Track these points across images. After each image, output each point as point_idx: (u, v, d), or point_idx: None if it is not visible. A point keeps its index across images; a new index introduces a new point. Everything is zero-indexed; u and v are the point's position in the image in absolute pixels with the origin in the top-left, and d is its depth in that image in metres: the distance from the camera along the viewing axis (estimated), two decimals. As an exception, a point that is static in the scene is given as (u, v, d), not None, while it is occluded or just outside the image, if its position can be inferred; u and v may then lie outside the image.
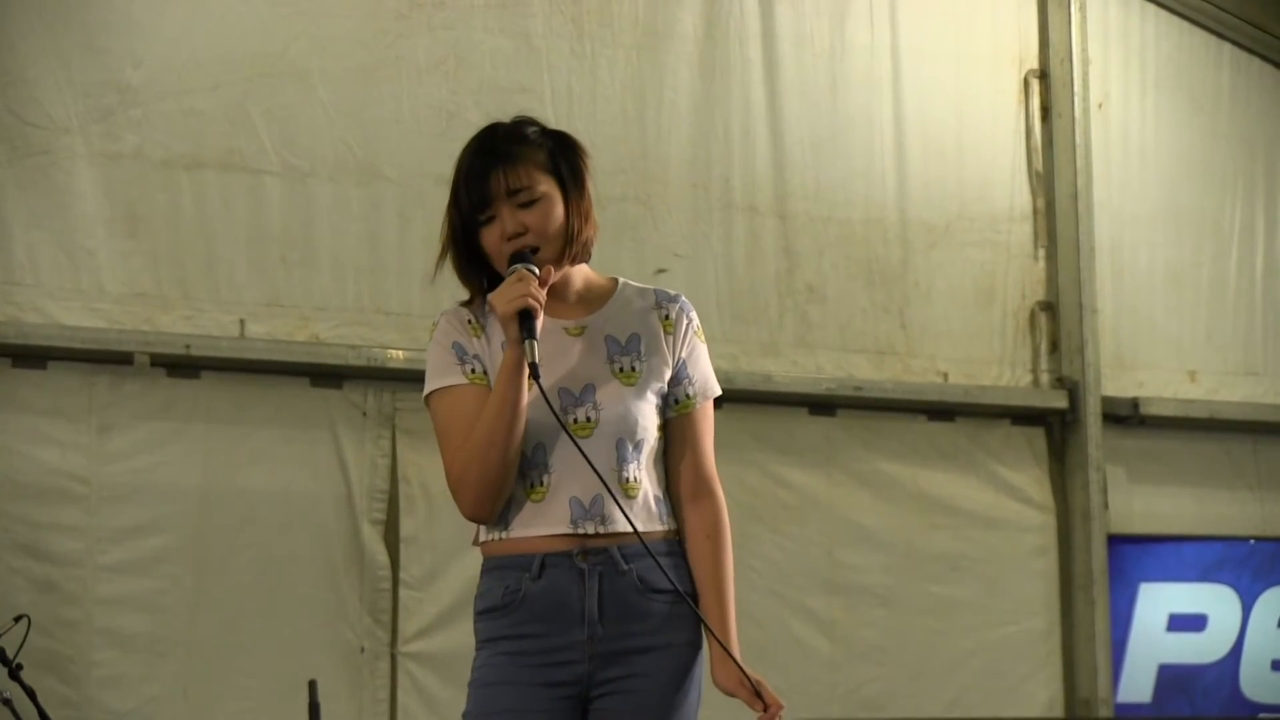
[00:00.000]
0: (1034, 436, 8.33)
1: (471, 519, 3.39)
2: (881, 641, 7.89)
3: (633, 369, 3.42)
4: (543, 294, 3.31)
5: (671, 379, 3.46)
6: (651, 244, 7.60)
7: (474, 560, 3.50)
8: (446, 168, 7.82)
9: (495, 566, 3.40)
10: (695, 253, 7.69)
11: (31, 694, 5.19)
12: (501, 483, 3.32)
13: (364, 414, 7.03)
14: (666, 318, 3.49)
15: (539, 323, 3.29)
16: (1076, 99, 8.37)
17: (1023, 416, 8.30)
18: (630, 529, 3.32)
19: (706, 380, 3.52)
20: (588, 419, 3.36)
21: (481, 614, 3.42)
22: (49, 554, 6.53)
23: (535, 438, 3.35)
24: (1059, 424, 8.33)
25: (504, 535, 3.38)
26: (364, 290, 7.05)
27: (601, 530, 3.34)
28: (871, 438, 8.00)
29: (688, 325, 3.50)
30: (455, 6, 7.28)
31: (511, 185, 3.39)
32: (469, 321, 3.44)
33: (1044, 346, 8.37)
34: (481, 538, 3.44)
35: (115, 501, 6.65)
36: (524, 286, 3.29)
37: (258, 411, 6.91)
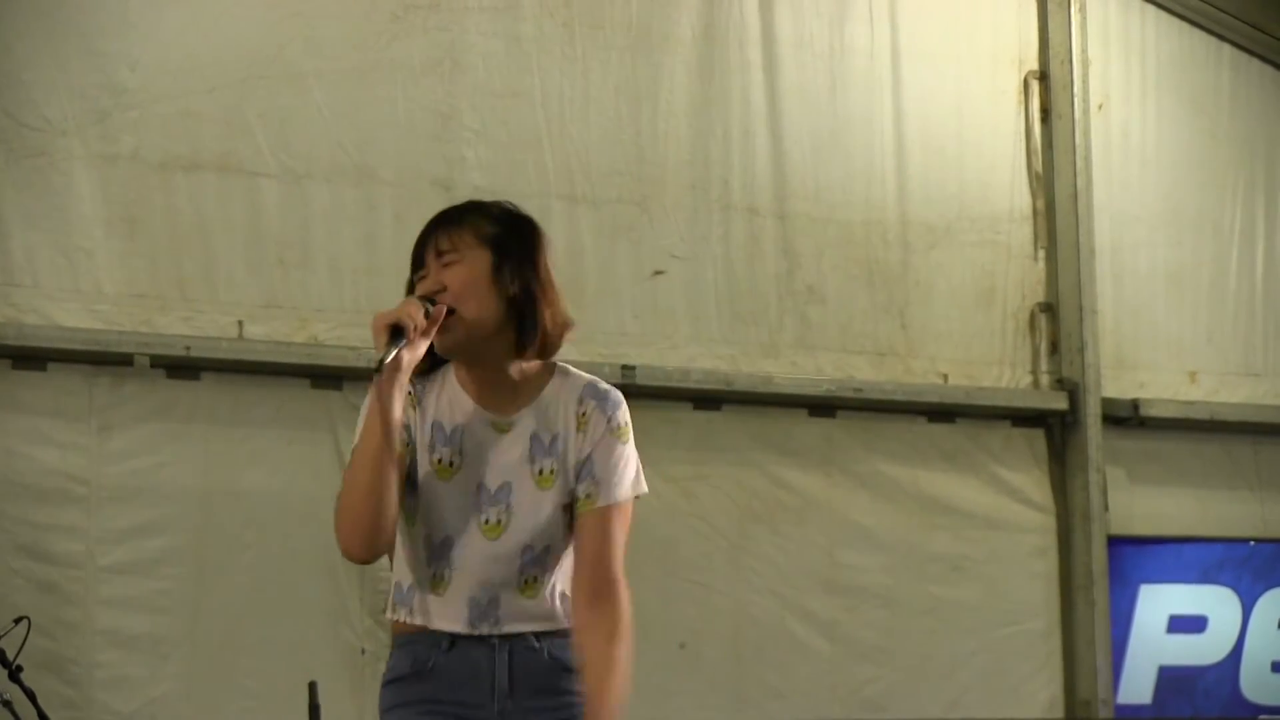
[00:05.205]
0: (1034, 438, 8.32)
1: (346, 555, 3.33)
2: (882, 642, 7.88)
3: (551, 471, 3.39)
4: (423, 322, 3.29)
5: (575, 475, 3.40)
6: (648, 245, 7.59)
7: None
8: (442, 170, 7.78)
9: (406, 642, 3.41)
10: (694, 254, 7.69)
11: (31, 695, 5.19)
12: (367, 514, 3.26)
13: (364, 415, 7.01)
14: (583, 414, 3.42)
15: (406, 345, 3.25)
16: (1076, 100, 8.36)
17: (1023, 418, 8.29)
18: (524, 631, 3.35)
19: (614, 483, 3.41)
20: (499, 521, 3.35)
21: (389, 684, 3.42)
22: (49, 555, 6.54)
23: (444, 530, 3.36)
24: (1059, 425, 8.31)
25: (409, 620, 3.39)
26: (361, 292, 7.04)
27: (495, 632, 3.35)
28: (872, 439, 7.99)
29: (605, 426, 3.41)
30: (450, 9, 7.27)
31: (440, 247, 3.42)
32: (409, 394, 3.39)
33: (1044, 348, 8.35)
34: (390, 615, 3.44)
35: (116, 502, 6.66)
36: (409, 307, 3.31)
37: (258, 412, 6.92)
